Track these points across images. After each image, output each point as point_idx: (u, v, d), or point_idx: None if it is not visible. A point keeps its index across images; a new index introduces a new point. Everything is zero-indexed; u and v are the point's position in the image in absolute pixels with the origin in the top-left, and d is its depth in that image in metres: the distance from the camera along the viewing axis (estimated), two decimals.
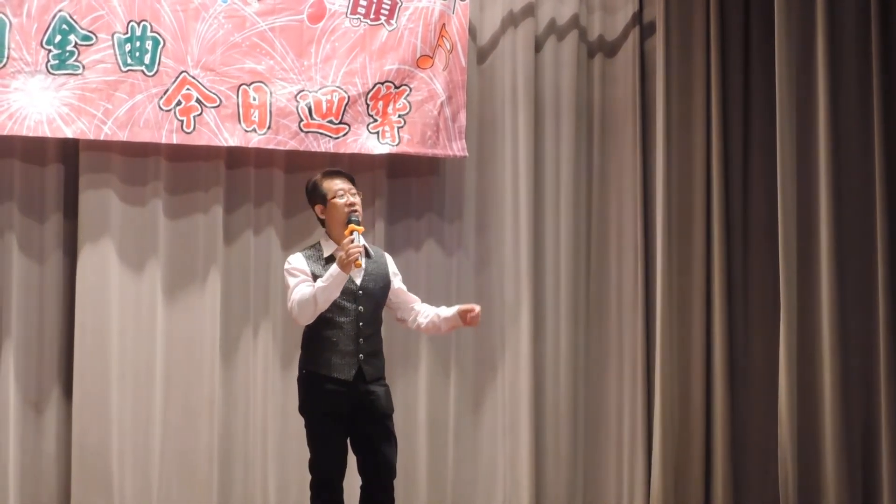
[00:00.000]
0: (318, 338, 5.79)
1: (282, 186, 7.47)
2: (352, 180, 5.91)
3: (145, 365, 7.20)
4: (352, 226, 5.71)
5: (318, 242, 5.90)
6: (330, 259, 5.77)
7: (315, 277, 5.74)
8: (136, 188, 7.23)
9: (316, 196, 5.90)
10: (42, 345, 7.16)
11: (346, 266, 5.61)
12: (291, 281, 5.78)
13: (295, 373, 7.36)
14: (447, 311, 5.97)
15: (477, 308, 5.92)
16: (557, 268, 7.80)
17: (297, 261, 5.84)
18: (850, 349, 7.31)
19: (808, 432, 7.32)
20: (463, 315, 5.91)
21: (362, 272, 5.80)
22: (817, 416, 7.31)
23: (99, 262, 7.13)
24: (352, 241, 5.63)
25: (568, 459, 7.73)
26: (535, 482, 7.61)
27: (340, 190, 5.84)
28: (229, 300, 7.36)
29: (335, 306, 5.73)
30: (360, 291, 5.80)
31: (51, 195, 7.18)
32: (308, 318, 5.74)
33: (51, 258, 7.17)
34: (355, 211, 5.80)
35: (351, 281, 5.76)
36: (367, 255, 5.89)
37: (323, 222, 5.91)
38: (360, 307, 5.79)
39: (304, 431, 7.36)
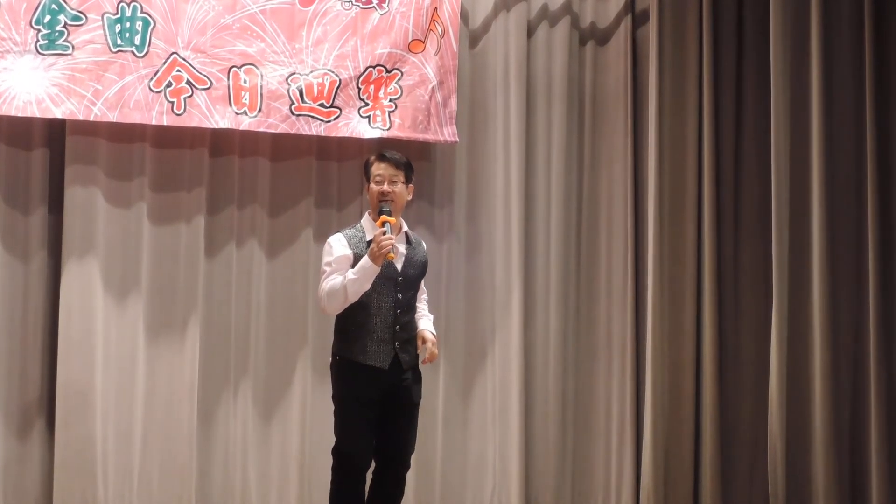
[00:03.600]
0: (353, 324, 5.74)
1: (267, 177, 7.45)
2: (398, 166, 5.85)
3: (128, 355, 7.20)
4: (384, 217, 5.68)
5: (360, 223, 5.88)
6: (371, 243, 5.70)
7: (356, 259, 5.69)
8: (122, 184, 7.21)
9: (365, 174, 5.92)
10: (26, 335, 7.14)
11: (377, 258, 5.58)
12: (325, 267, 5.74)
13: (280, 351, 7.44)
14: (421, 324, 5.95)
15: (431, 351, 5.88)
16: (548, 254, 7.78)
17: (338, 243, 5.78)
18: (841, 339, 7.34)
19: (797, 422, 7.34)
20: (420, 343, 5.90)
21: (403, 258, 5.79)
22: (807, 406, 7.33)
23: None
24: (384, 233, 5.60)
25: (557, 448, 7.71)
26: (524, 471, 7.59)
27: (379, 176, 5.82)
28: (210, 300, 7.36)
29: (374, 293, 5.69)
30: (401, 278, 5.78)
31: (36, 184, 7.16)
32: (337, 309, 5.71)
33: (35, 258, 7.16)
34: (387, 200, 5.76)
35: (392, 268, 5.73)
36: (409, 241, 5.88)
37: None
38: (399, 294, 5.77)
39: (285, 419, 7.40)
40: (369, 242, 5.72)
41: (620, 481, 7.75)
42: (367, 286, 5.64)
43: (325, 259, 5.76)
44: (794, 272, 7.38)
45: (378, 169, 5.83)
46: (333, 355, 5.82)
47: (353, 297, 5.65)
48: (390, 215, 5.71)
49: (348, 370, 5.74)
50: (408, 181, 5.90)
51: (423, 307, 6.06)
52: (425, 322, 5.98)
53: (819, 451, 7.23)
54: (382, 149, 6.08)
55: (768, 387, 7.37)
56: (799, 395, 7.35)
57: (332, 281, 5.67)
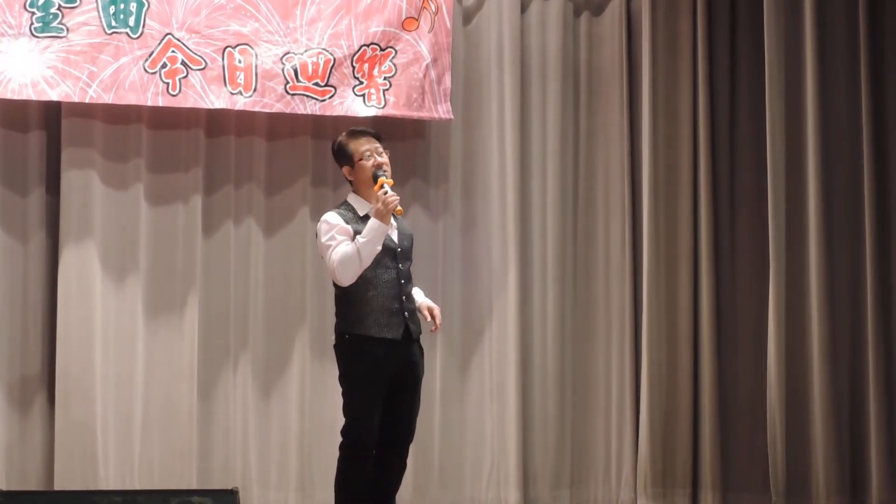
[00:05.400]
0: (361, 300, 5.69)
1: (263, 156, 7.48)
2: (378, 138, 5.85)
3: (128, 335, 7.23)
4: (382, 179, 5.67)
5: (346, 202, 5.84)
6: (367, 218, 5.68)
7: (356, 234, 5.66)
8: (118, 165, 7.24)
9: (343, 157, 5.84)
10: (26, 316, 7.18)
11: (385, 216, 5.58)
12: (329, 241, 5.67)
13: (279, 329, 7.46)
14: (418, 297, 5.94)
15: (439, 318, 5.89)
16: (544, 230, 7.79)
17: (335, 218, 5.73)
18: (839, 312, 7.37)
19: (796, 396, 7.36)
20: (427, 313, 5.90)
21: (396, 230, 5.79)
22: (806, 380, 7.35)
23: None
24: (386, 193, 5.59)
25: (555, 423, 7.73)
26: (522, 446, 7.60)
27: (367, 150, 5.77)
28: (208, 280, 7.39)
29: (377, 265, 5.66)
30: (399, 249, 5.78)
31: (33, 166, 7.19)
32: (352, 277, 5.63)
33: (34, 239, 7.19)
34: (381, 167, 5.75)
35: (390, 239, 5.71)
36: (394, 215, 5.87)
37: (351, 183, 5.86)
38: (400, 265, 5.76)
39: (284, 398, 7.40)
40: (362, 217, 5.72)
41: (620, 456, 7.76)
42: (379, 248, 5.61)
43: (326, 234, 5.69)
44: (791, 246, 7.40)
45: (362, 145, 5.78)
46: (341, 335, 5.74)
47: (367, 261, 5.60)
48: (388, 178, 5.72)
49: (361, 346, 5.68)
50: None
51: None
52: (419, 293, 6.00)
53: (818, 423, 7.26)
54: (355, 126, 6.09)
55: (766, 361, 7.40)
56: (797, 369, 7.38)
57: (342, 249, 5.62)
